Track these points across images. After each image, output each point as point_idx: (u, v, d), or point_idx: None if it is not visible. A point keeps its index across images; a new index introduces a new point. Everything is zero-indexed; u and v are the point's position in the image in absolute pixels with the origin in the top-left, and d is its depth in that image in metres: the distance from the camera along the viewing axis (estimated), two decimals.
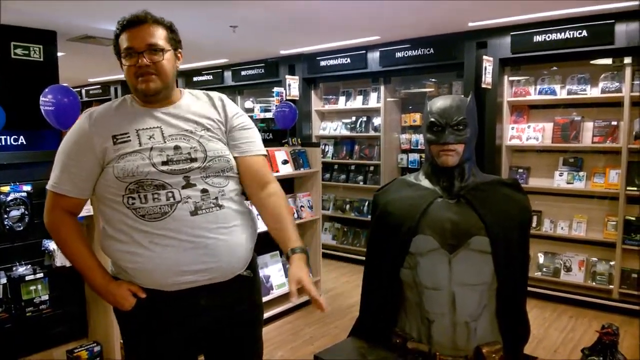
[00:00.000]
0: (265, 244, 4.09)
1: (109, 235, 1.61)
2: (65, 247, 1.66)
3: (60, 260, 2.72)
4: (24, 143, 2.84)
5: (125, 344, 1.74)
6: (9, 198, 2.61)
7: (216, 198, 1.59)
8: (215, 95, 1.77)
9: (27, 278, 2.65)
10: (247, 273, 1.72)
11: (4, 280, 2.56)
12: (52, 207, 1.63)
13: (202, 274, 1.57)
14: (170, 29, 1.65)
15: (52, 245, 2.74)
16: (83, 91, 9.69)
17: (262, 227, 4.17)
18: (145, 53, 1.57)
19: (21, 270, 2.67)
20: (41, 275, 2.70)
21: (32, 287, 2.67)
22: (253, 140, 1.75)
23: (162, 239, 1.54)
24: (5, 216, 2.60)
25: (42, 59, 4.91)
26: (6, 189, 2.61)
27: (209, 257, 1.57)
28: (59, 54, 5.17)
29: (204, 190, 1.58)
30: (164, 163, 1.55)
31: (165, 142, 1.58)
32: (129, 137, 1.57)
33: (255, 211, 1.81)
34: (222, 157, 1.64)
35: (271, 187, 1.74)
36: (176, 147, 1.58)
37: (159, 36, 1.60)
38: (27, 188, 2.65)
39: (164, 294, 1.58)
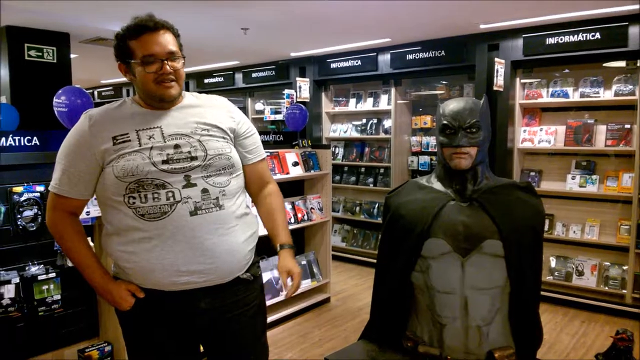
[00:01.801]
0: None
1: (109, 235, 1.63)
2: (65, 246, 1.67)
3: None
4: (37, 144, 2.85)
5: (126, 343, 1.75)
6: (23, 198, 2.64)
7: (217, 198, 1.60)
8: (219, 99, 1.80)
9: (40, 278, 2.67)
10: (247, 276, 1.72)
11: (17, 280, 2.58)
12: (54, 207, 1.64)
13: (199, 275, 1.58)
14: (178, 35, 1.68)
15: None
16: (95, 92, 9.78)
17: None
18: (167, 60, 1.59)
19: (34, 269, 2.69)
20: (53, 275, 2.72)
21: (45, 287, 2.69)
22: (258, 145, 1.82)
23: (161, 239, 1.55)
24: (19, 216, 2.63)
25: (55, 61, 4.97)
26: (20, 189, 2.64)
27: (207, 258, 1.58)
28: (72, 55, 5.22)
29: (205, 190, 1.59)
30: (164, 162, 1.56)
31: (165, 141, 1.59)
32: (129, 137, 1.58)
33: (254, 212, 1.83)
34: (223, 154, 1.65)
35: (269, 188, 1.88)
36: (176, 146, 1.59)
37: (174, 43, 1.63)
38: (40, 188, 2.68)
39: (163, 294, 1.59)
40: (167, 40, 1.60)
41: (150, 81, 1.59)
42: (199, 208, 1.57)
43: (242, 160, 1.75)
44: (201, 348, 1.81)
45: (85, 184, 1.61)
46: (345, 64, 6.10)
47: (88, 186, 1.62)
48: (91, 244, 2.81)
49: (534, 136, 4.90)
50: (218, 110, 1.74)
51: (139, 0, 3.13)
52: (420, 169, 5.90)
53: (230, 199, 1.64)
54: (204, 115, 1.69)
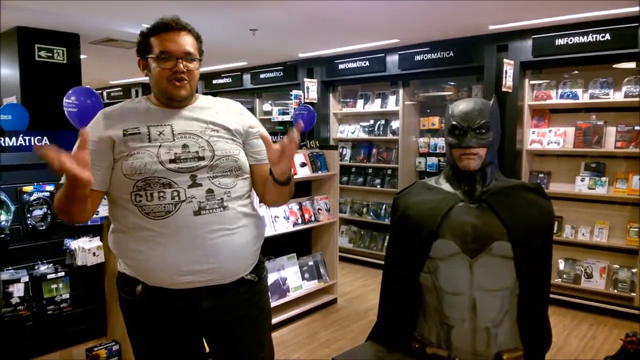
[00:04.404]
0: (282, 246, 4.15)
1: (116, 232, 1.65)
2: (64, 202, 1.53)
3: (81, 260, 2.75)
4: (47, 144, 2.88)
5: (131, 341, 1.76)
6: (32, 197, 2.66)
7: (221, 199, 1.61)
8: (231, 102, 1.82)
9: (49, 277, 2.69)
10: (252, 277, 1.73)
11: (26, 279, 2.60)
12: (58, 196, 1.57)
13: (201, 274, 1.59)
14: (199, 39, 1.71)
15: (73, 244, 2.78)
16: (105, 93, 9.83)
17: (279, 229, 4.16)
18: (183, 59, 1.61)
19: (43, 268, 2.71)
20: (62, 274, 2.74)
21: (54, 286, 2.71)
22: None
23: (164, 238, 1.56)
24: (29, 215, 2.65)
25: (65, 62, 5.01)
26: (29, 188, 2.66)
27: (209, 258, 1.58)
28: (81, 56, 5.25)
29: (210, 191, 1.60)
30: (172, 161, 1.58)
31: (174, 140, 1.61)
32: (139, 130, 1.60)
33: (262, 213, 1.82)
34: (230, 156, 1.66)
35: None
36: (184, 146, 1.61)
37: (193, 45, 1.65)
38: (50, 188, 2.70)
39: (167, 292, 1.60)
40: (186, 41, 1.63)
41: (164, 78, 1.62)
42: (203, 208, 1.58)
43: (250, 161, 1.74)
44: (207, 348, 1.82)
45: (101, 174, 1.57)
46: (353, 65, 6.10)
47: (104, 176, 1.58)
48: (100, 243, 2.83)
49: (543, 137, 4.88)
50: (229, 112, 1.76)
51: (149, 2, 3.16)
52: (427, 170, 5.89)
53: (235, 201, 1.65)
54: (214, 116, 1.71)
